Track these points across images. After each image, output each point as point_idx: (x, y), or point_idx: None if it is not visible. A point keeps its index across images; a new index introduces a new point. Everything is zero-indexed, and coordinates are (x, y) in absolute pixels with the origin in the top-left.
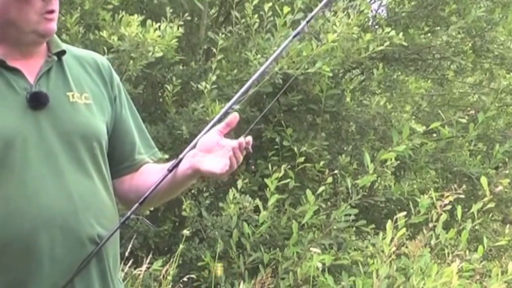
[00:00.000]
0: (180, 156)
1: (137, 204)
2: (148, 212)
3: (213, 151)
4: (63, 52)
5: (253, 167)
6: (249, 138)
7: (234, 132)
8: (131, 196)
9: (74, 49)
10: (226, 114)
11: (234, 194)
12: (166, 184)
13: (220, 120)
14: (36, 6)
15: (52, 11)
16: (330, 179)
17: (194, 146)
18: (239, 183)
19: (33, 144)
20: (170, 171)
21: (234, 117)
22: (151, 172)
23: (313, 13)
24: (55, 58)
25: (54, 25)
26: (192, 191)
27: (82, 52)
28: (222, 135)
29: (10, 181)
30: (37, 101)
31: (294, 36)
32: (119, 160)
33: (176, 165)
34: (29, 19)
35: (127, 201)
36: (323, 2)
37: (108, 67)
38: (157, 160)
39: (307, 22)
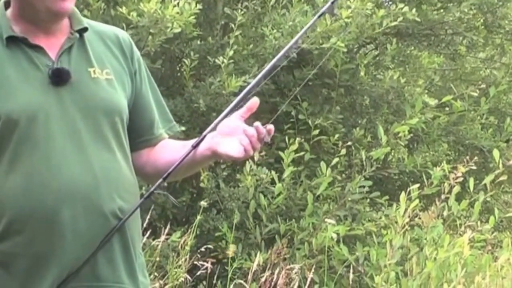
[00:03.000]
0: (204, 133)
1: (161, 180)
2: (166, 184)
3: (233, 135)
4: (85, 29)
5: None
6: (271, 126)
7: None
8: (148, 170)
9: (96, 25)
10: (248, 93)
11: (251, 166)
12: (186, 161)
13: (241, 100)
14: None
15: None
16: (344, 151)
17: (215, 127)
18: (256, 155)
19: (56, 119)
20: (194, 147)
21: (254, 101)
22: (170, 148)
23: None
24: (77, 35)
25: (67, 4)
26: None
27: (104, 27)
28: (243, 120)
29: (33, 155)
30: (59, 77)
31: (320, 16)
32: (138, 134)
33: (200, 142)
34: None
35: (143, 174)
36: None
37: (129, 42)
38: (174, 133)
39: (333, 2)
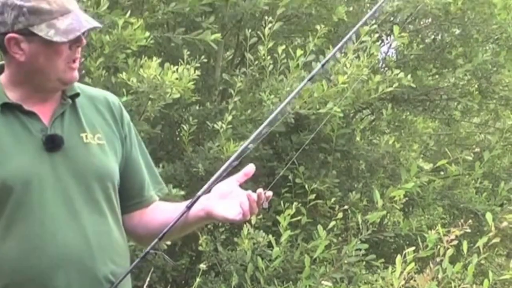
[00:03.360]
0: (198, 193)
1: (156, 240)
2: (165, 247)
3: (228, 197)
4: (77, 95)
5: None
6: (270, 193)
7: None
8: (140, 232)
9: (88, 89)
10: (242, 154)
11: (248, 230)
12: (179, 223)
13: (236, 160)
14: (64, 55)
15: (76, 60)
16: (340, 215)
17: (209, 189)
18: (253, 219)
19: (50, 185)
20: (188, 208)
21: (251, 167)
22: (163, 210)
23: (328, 56)
24: (69, 101)
25: (77, 74)
26: (208, 226)
27: (95, 91)
28: (238, 184)
29: (28, 220)
30: (52, 144)
31: (309, 79)
32: (129, 197)
33: (194, 202)
34: (57, 67)
35: (135, 236)
36: (336, 48)
37: (118, 106)
38: (164, 195)
39: (322, 65)
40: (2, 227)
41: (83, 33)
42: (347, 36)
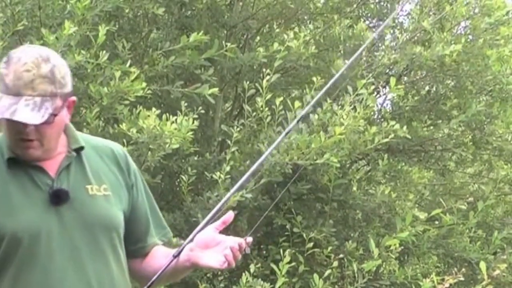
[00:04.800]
0: (184, 244)
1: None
2: None
3: (210, 246)
4: (81, 148)
5: (264, 252)
6: (250, 239)
7: (247, 220)
8: (142, 274)
9: (93, 140)
10: (220, 209)
11: (247, 278)
12: (169, 269)
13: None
14: (11, 132)
15: (25, 140)
16: (336, 263)
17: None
18: (252, 268)
19: (56, 237)
20: (175, 257)
21: (229, 215)
22: (157, 256)
23: (301, 113)
24: (74, 154)
25: (31, 152)
26: (208, 275)
27: (100, 142)
28: (217, 232)
29: (35, 270)
30: (58, 198)
31: (286, 133)
32: (133, 242)
33: (180, 252)
34: (10, 141)
35: (139, 278)
36: (313, 101)
37: (124, 156)
38: (169, 239)
39: (298, 121)
40: (11, 276)
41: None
42: (320, 93)
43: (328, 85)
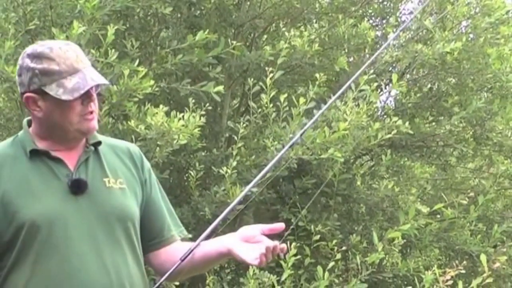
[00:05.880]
0: (197, 241)
1: (158, 284)
2: (174, 287)
3: (249, 242)
4: (99, 143)
5: None
6: (284, 246)
7: (253, 213)
8: (168, 267)
9: (109, 139)
10: (245, 197)
11: (254, 270)
12: (199, 258)
13: (240, 203)
14: (76, 109)
15: (91, 112)
16: (339, 256)
17: (209, 235)
18: None
19: (75, 225)
20: (182, 260)
21: (280, 226)
22: (177, 251)
23: (308, 124)
24: (92, 148)
25: (94, 123)
26: (215, 267)
27: (116, 142)
28: (261, 233)
29: (53, 258)
30: (77, 187)
31: (290, 146)
32: (150, 237)
33: (188, 255)
34: (72, 120)
35: (164, 271)
36: (319, 112)
37: (139, 154)
38: (185, 236)
39: (301, 134)
40: (31, 262)
41: (96, 87)
42: (339, 92)
43: (349, 82)
